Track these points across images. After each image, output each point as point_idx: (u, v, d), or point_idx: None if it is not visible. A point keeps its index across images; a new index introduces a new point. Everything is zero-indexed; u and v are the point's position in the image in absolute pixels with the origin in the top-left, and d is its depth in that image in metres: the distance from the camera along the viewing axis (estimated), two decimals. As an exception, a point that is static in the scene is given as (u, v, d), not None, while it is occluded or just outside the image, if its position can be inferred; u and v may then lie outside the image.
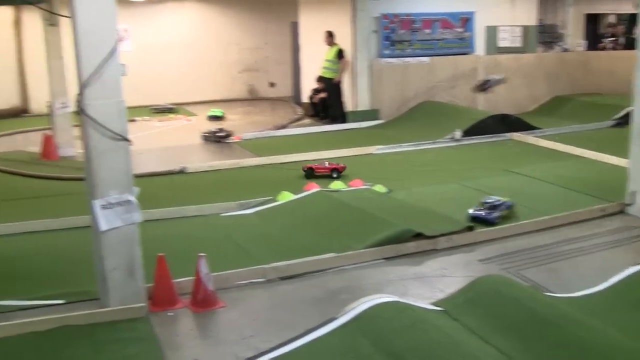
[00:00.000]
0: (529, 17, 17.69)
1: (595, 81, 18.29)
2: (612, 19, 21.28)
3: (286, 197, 8.81)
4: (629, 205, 8.70)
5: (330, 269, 6.77)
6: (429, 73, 15.92)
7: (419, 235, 7.32)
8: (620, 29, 20.45)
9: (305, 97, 17.15)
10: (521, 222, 8.02)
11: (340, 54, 15.25)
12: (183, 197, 9.42)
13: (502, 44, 17.20)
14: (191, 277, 5.92)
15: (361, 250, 6.98)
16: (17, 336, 5.37)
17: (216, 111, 16.86)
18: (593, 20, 20.97)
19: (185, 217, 8.49)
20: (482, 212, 8.10)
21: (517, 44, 17.46)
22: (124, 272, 5.62)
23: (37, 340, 5.33)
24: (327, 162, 10.48)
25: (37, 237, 7.94)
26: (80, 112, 5.37)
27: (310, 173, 10.27)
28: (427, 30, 16.08)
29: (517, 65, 17.11)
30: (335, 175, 10.15)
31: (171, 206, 8.74)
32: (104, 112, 5.37)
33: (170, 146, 13.63)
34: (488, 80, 12.91)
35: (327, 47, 15.55)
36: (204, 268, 5.81)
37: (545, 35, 19.10)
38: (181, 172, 11.03)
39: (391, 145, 12.53)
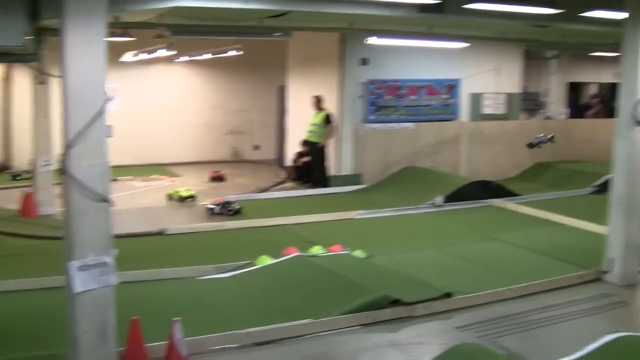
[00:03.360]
0: (513, 84, 17.94)
1: (576, 149, 18.51)
2: (593, 91, 21.62)
3: (265, 261, 8.80)
4: (606, 272, 8.77)
5: (306, 335, 6.74)
6: (413, 139, 16.06)
7: (396, 302, 7.32)
8: (597, 101, 20.72)
9: (289, 161, 17.24)
10: (499, 289, 8.04)
11: (327, 119, 15.37)
12: (161, 259, 9.37)
13: (486, 110, 17.41)
14: (164, 342, 5.88)
15: (337, 317, 6.96)
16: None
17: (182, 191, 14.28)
18: (575, 89, 21.34)
19: (162, 280, 8.44)
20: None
21: (501, 111, 17.69)
22: (96, 336, 5.55)
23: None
24: None
25: (10, 297, 7.86)
26: (63, 172, 5.39)
27: None
28: (413, 97, 16.26)
29: (500, 131, 17.30)
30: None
31: (148, 268, 8.70)
32: (88, 174, 5.36)
33: (151, 207, 13.61)
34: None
35: (314, 111, 15.68)
36: (177, 333, 5.77)
37: (529, 103, 19.37)
38: (160, 233, 10.99)
39: (372, 211, 12.53)
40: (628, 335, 6.45)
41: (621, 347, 6.14)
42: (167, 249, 10.23)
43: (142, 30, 13.57)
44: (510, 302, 7.86)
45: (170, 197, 14.06)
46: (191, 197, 13.92)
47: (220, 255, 9.40)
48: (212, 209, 12.56)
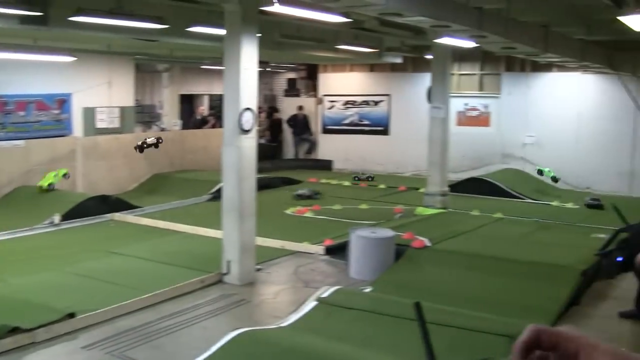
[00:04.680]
0: (126, 97, 18.04)
1: (192, 158, 19.20)
2: (206, 103, 22.58)
3: None
4: (225, 274, 9.21)
5: None
6: (25, 157, 15.29)
7: (15, 330, 6.91)
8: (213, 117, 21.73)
9: None
10: (123, 302, 8.01)
11: None
12: None
13: (100, 125, 17.26)
14: None
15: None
16: None
17: None
18: (189, 100, 22.10)
19: None
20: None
21: (116, 124, 17.67)
22: None
23: None
24: None
25: None
26: None
27: None
28: (22, 113, 15.55)
29: (116, 145, 17.22)
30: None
31: None
32: None
33: None
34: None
35: None
36: None
37: (144, 115, 19.65)
38: None
39: (-16, 236, 11.70)
40: (248, 330, 6.87)
41: (243, 342, 6.54)
42: None
43: None
44: (136, 314, 7.89)
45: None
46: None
47: None
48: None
